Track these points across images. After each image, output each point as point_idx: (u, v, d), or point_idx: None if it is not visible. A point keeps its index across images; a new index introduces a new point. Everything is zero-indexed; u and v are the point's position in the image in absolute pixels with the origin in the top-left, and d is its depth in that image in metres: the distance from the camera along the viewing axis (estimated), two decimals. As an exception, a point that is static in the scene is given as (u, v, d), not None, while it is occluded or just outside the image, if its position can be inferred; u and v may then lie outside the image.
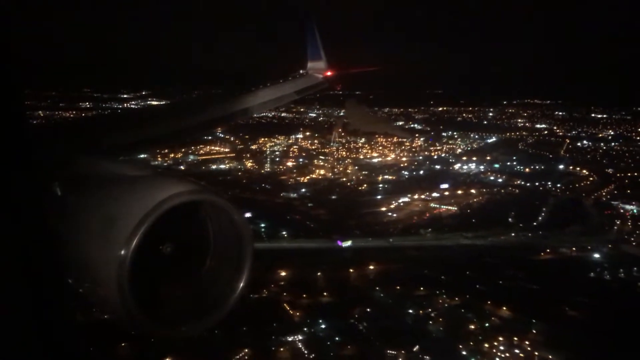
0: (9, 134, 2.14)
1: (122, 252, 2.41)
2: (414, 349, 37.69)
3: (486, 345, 37.67)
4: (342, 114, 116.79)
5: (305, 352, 38.49)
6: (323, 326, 41.54)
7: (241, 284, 2.98)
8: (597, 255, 53.47)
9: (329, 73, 11.64)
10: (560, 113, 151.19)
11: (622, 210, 66.15)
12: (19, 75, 2.27)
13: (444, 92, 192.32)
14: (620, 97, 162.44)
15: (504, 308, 43.05)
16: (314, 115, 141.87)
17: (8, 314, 2.11)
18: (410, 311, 43.45)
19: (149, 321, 2.59)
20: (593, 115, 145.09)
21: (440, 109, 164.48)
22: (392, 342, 38.50)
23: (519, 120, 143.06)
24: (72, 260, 2.67)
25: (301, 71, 11.57)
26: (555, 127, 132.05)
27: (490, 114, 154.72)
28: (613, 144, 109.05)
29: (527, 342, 37.88)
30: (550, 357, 36.14)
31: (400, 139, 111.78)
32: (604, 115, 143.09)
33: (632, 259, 52.09)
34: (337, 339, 39.90)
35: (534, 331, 39.68)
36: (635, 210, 65.42)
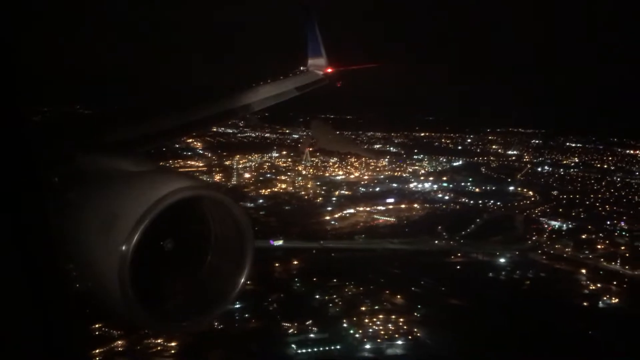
0: (9, 131, 2.21)
1: (124, 248, 2.50)
2: (306, 322, 45.96)
3: (366, 320, 45.92)
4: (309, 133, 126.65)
5: (215, 324, 46.77)
6: (238, 306, 49.78)
7: (242, 280, 3.08)
8: (502, 260, 61.75)
9: (329, 70, 12.09)
10: (537, 141, 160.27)
11: (545, 225, 74.49)
12: (18, 73, 2.35)
13: (434, 119, 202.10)
14: (603, 127, 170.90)
15: (398, 296, 51.33)
16: (297, 136, 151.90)
17: (8, 311, 2.17)
18: (317, 297, 51.81)
19: (150, 317, 2.73)
20: (568, 144, 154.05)
21: (423, 134, 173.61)
22: (290, 318, 46.81)
23: (493, 147, 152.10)
24: (73, 257, 2.79)
25: (302, 68, 11.91)
26: (525, 154, 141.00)
27: (468, 140, 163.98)
28: (572, 170, 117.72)
29: (402, 320, 46.24)
30: (415, 330, 44.37)
31: (370, 160, 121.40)
32: (579, 145, 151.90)
33: (531, 264, 60.41)
34: (246, 315, 48.20)
35: (415, 314, 47.98)
36: (556, 226, 73.76)
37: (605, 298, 52.67)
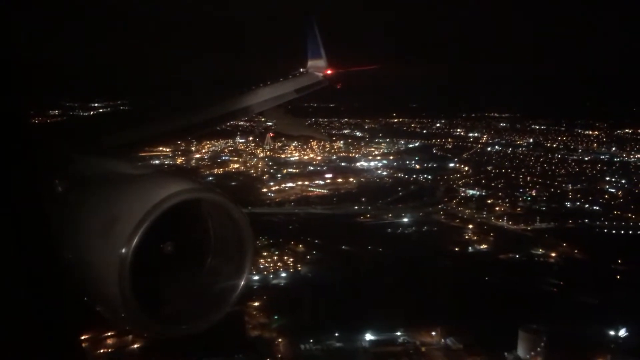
0: (9, 134, 2.29)
1: (123, 250, 2.61)
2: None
3: (262, 260, 57.79)
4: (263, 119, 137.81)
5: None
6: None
7: (242, 282, 3.20)
8: (405, 220, 73.48)
9: (329, 71, 12.62)
10: (503, 124, 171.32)
11: (462, 194, 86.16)
12: (18, 76, 2.46)
13: (417, 106, 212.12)
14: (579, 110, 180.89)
15: (300, 246, 63.15)
16: (270, 124, 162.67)
17: (9, 313, 2.25)
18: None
19: (150, 319, 2.85)
20: (533, 126, 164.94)
21: (395, 120, 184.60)
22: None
23: (458, 130, 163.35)
24: (73, 260, 2.88)
25: (301, 69, 12.46)
26: (485, 136, 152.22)
27: (437, 125, 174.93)
28: (520, 149, 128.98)
29: (292, 259, 58.04)
30: (299, 267, 56.30)
31: (326, 143, 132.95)
32: (543, 127, 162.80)
33: (430, 222, 72.15)
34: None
35: (308, 257, 59.79)
36: (470, 193, 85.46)
37: (476, 245, 64.67)
